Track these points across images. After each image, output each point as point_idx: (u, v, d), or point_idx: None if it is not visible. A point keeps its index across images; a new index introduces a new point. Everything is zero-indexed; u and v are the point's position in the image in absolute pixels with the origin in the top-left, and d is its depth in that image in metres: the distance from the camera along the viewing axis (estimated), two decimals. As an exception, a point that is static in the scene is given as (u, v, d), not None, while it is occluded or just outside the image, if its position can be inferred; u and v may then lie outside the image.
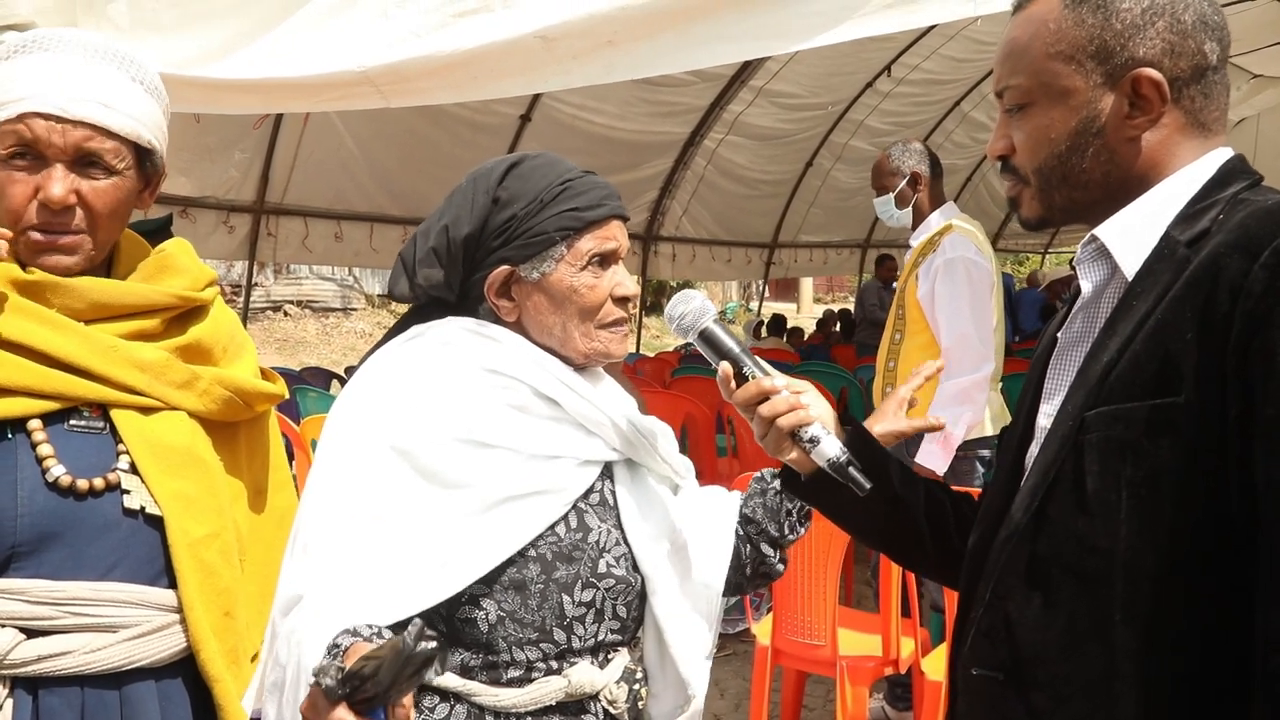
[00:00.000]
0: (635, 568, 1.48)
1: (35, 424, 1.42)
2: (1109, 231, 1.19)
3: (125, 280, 1.55)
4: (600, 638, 1.43)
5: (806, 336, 12.67)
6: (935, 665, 3.25)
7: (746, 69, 7.90)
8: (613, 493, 1.50)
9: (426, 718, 1.37)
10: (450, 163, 6.84)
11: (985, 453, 3.75)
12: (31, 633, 1.38)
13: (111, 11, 2.74)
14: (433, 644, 1.05)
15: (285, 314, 19.79)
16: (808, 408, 1.37)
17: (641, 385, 5.92)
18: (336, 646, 1.22)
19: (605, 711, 1.44)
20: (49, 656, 1.38)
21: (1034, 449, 1.24)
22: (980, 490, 1.45)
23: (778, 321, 10.11)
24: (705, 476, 1.83)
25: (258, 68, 2.73)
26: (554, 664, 1.40)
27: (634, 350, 10.04)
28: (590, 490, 1.46)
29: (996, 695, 1.19)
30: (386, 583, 1.32)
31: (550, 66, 2.51)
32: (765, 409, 1.37)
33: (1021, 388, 1.33)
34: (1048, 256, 18.06)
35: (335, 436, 1.42)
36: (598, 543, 1.44)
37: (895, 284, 4.17)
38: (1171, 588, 1.05)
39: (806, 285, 32.14)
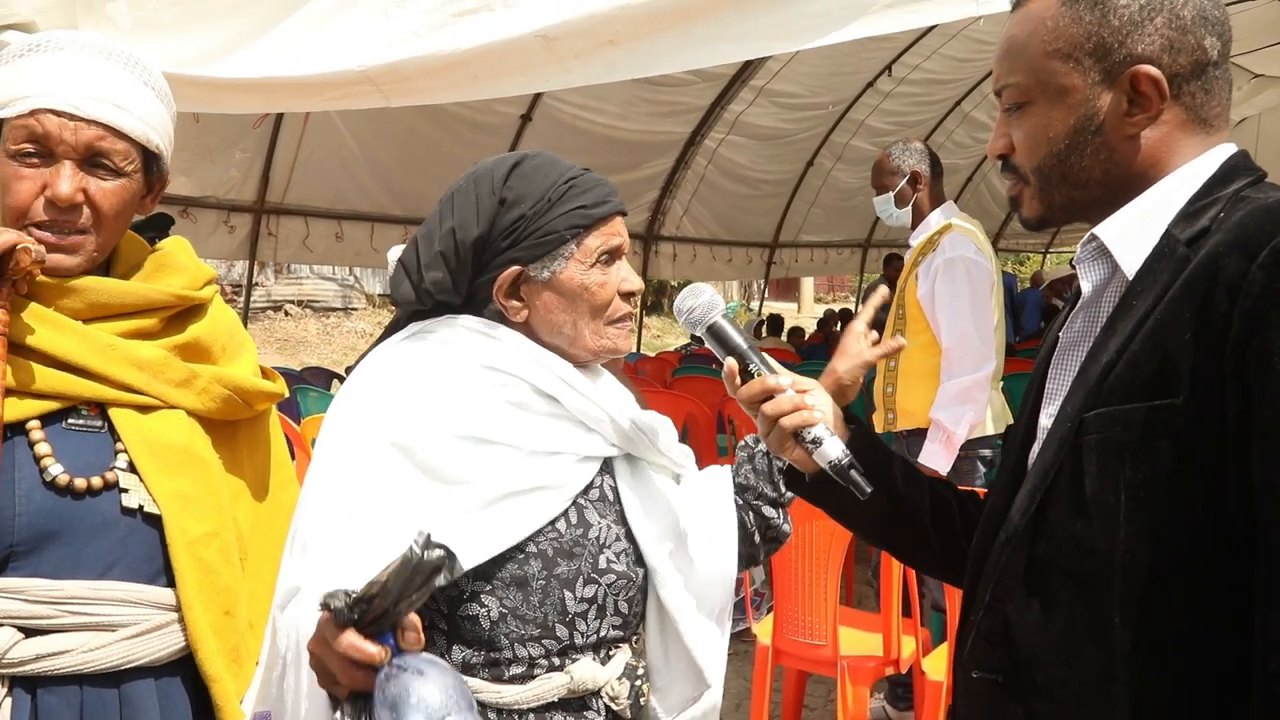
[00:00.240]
0: (638, 562, 1.49)
1: (33, 423, 1.42)
2: (1109, 230, 1.18)
3: (124, 279, 1.55)
4: (602, 634, 1.43)
5: (807, 336, 12.68)
6: (936, 665, 3.25)
7: (747, 69, 7.90)
8: (613, 488, 1.50)
9: None
10: (451, 162, 6.83)
11: (987, 452, 3.75)
12: (30, 632, 1.39)
13: (112, 11, 2.74)
14: (440, 551, 1.03)
15: (286, 314, 19.80)
16: (812, 408, 1.36)
17: (642, 385, 5.92)
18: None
19: (607, 708, 1.44)
20: (47, 655, 1.38)
21: (1036, 450, 1.23)
22: (985, 489, 1.45)
23: (774, 321, 10.10)
24: (706, 476, 1.83)
25: (258, 67, 2.73)
26: (556, 660, 1.40)
27: (635, 350, 10.04)
28: (590, 486, 1.46)
29: (996, 698, 1.19)
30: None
31: (551, 66, 2.51)
32: (769, 407, 1.37)
33: (1025, 388, 1.33)
34: (1049, 256, 18.06)
35: (334, 434, 1.41)
36: (598, 538, 1.44)
37: None
38: (1170, 590, 1.05)
39: (807, 285, 32.15)
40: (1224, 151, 1.17)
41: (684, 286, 1.57)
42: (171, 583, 1.48)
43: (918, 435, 3.74)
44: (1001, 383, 3.92)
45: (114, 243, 1.54)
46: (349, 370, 1.81)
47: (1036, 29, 1.19)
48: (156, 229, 1.67)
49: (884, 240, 12.50)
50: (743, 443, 1.72)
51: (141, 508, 1.46)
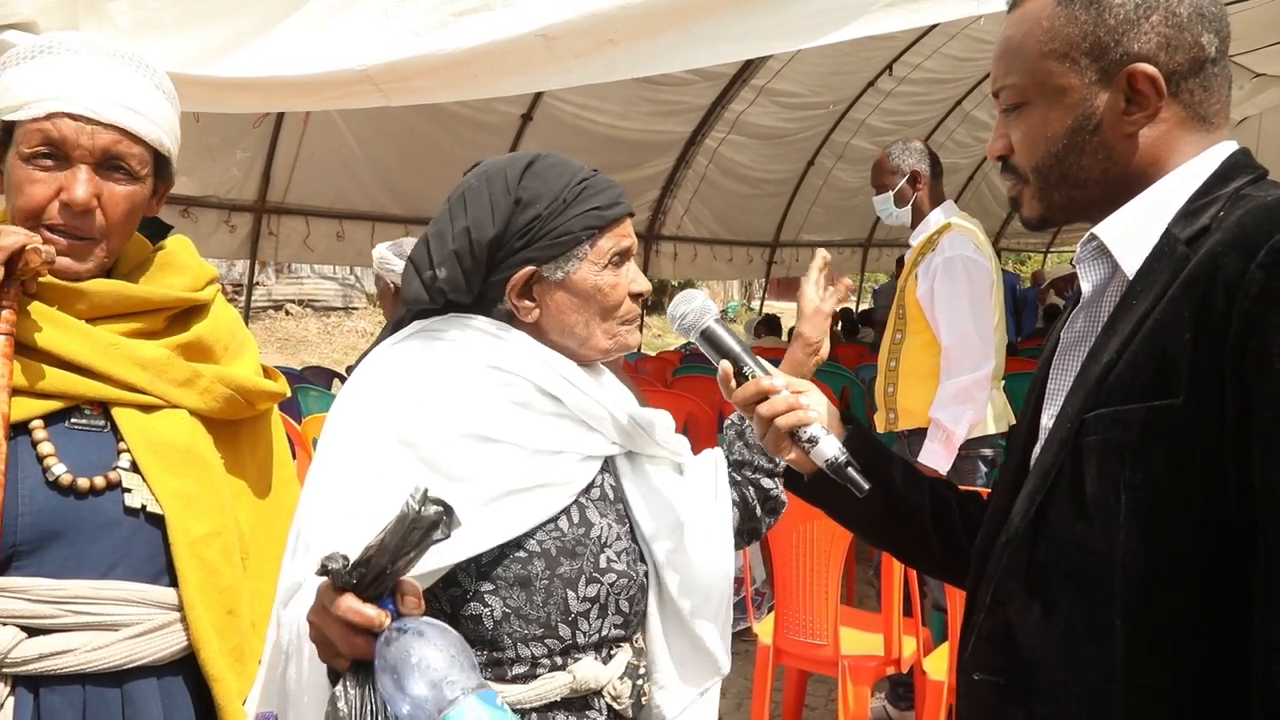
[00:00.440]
0: (640, 559, 1.50)
1: (36, 422, 1.43)
2: (1108, 230, 1.18)
3: (127, 278, 1.55)
4: (604, 633, 1.44)
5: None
6: (937, 665, 3.25)
7: (748, 68, 7.89)
8: (613, 487, 1.51)
9: None
10: (452, 162, 6.82)
11: (988, 451, 3.75)
12: (33, 631, 1.39)
13: (113, 11, 2.74)
14: (437, 507, 1.01)
15: (287, 313, 19.80)
16: (807, 408, 1.37)
17: (643, 384, 5.92)
18: None
19: (609, 707, 1.45)
20: (50, 655, 1.38)
21: (1037, 451, 1.23)
22: (988, 489, 1.46)
23: (770, 322, 10.08)
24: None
25: (258, 66, 2.73)
26: (558, 660, 1.40)
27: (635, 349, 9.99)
28: (591, 485, 1.47)
29: (998, 701, 1.19)
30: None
31: (551, 65, 2.51)
32: (764, 408, 1.38)
33: (1028, 388, 1.33)
34: (1050, 255, 18.04)
35: (338, 431, 1.41)
36: (600, 537, 1.44)
37: None
38: (1170, 591, 1.05)
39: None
40: (1224, 149, 1.17)
41: (685, 286, 1.58)
42: (174, 582, 1.48)
43: (919, 435, 3.74)
44: (1003, 382, 3.92)
45: (122, 247, 1.54)
46: (350, 370, 1.81)
47: (1032, 29, 1.19)
48: (153, 231, 1.67)
49: (885, 240, 12.50)
50: (729, 421, 1.73)
51: (144, 507, 1.46)
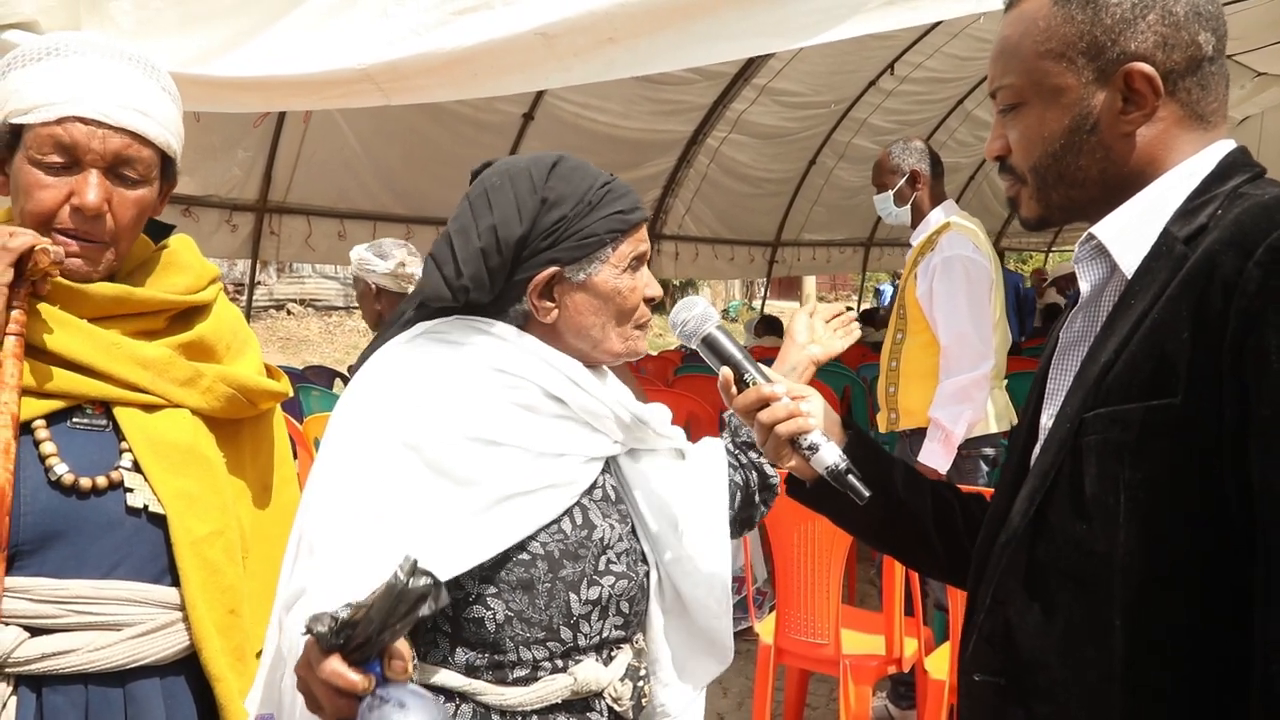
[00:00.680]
0: (641, 559, 1.51)
1: (39, 422, 1.43)
2: (1106, 230, 1.18)
3: (130, 277, 1.55)
4: (604, 635, 1.44)
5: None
6: (939, 664, 3.25)
7: (749, 67, 7.88)
8: (615, 487, 1.52)
9: None
10: (453, 161, 6.81)
11: (989, 451, 3.74)
12: (35, 631, 1.39)
13: (115, 11, 2.74)
14: (426, 579, 1.01)
15: (289, 312, 19.82)
16: (808, 415, 1.37)
17: (645, 383, 5.92)
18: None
19: (610, 709, 1.45)
20: (53, 655, 1.39)
21: (1037, 451, 1.23)
22: (990, 489, 1.46)
23: (770, 322, 10.06)
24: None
25: (257, 66, 2.72)
26: (559, 662, 1.40)
27: (637, 349, 9.97)
28: (593, 486, 1.47)
29: (998, 701, 1.19)
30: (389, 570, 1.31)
31: (550, 63, 2.51)
32: (765, 415, 1.38)
33: (1030, 388, 1.33)
34: (1052, 254, 18.03)
35: (342, 433, 1.41)
36: (602, 539, 1.45)
37: None
38: (1170, 590, 1.05)
39: (810, 284, 32.07)
40: (1222, 148, 1.17)
41: (687, 285, 1.58)
42: (176, 582, 1.48)
43: (921, 434, 3.73)
44: (1005, 381, 3.92)
45: (129, 250, 1.54)
46: (352, 369, 1.81)
47: (1029, 29, 1.19)
48: (155, 231, 1.67)
49: (886, 239, 12.48)
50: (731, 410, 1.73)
51: (146, 507, 1.46)
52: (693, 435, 1.66)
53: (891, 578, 3.25)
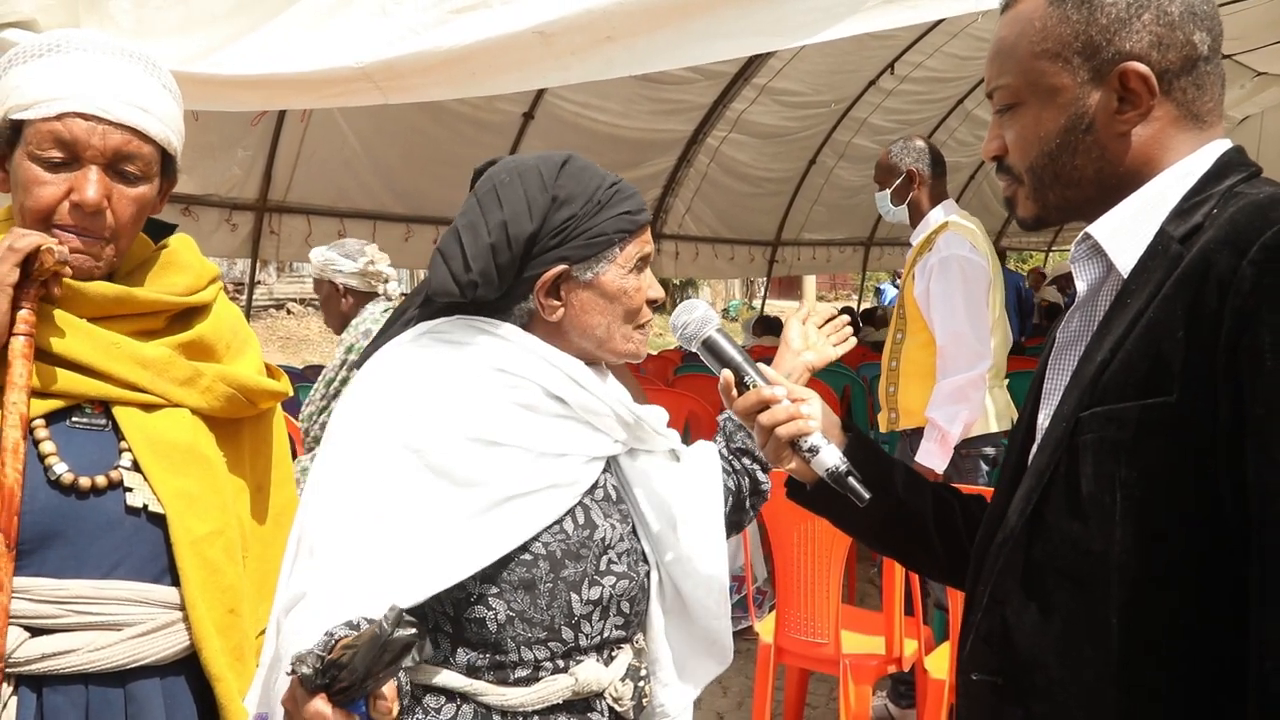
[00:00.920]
0: (642, 559, 1.51)
1: (38, 421, 1.43)
2: (1102, 229, 1.18)
3: (130, 276, 1.55)
4: (605, 635, 1.44)
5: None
6: (938, 663, 3.24)
7: (749, 66, 7.88)
8: (615, 487, 1.52)
9: (433, 718, 1.37)
10: (453, 161, 6.82)
11: (990, 450, 3.74)
12: (35, 631, 1.39)
13: (114, 10, 2.74)
14: (410, 630, 1.03)
15: (289, 312, 19.82)
16: (808, 417, 1.37)
17: (645, 383, 5.92)
18: (330, 636, 1.21)
19: (611, 709, 1.45)
20: (53, 655, 1.39)
21: (1035, 450, 1.23)
22: (990, 488, 1.46)
23: (768, 322, 10.05)
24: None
25: (255, 64, 2.72)
26: (560, 663, 1.40)
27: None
28: (595, 486, 1.47)
29: (996, 701, 1.19)
30: (391, 575, 1.32)
31: (548, 62, 2.51)
32: (765, 418, 1.38)
33: (1029, 387, 1.33)
34: (1051, 254, 18.03)
35: (344, 435, 1.41)
36: (603, 540, 1.45)
37: None
38: (1166, 590, 1.05)
39: (810, 283, 32.08)
40: (1218, 147, 1.17)
41: (687, 285, 1.59)
42: (176, 582, 1.48)
43: (921, 434, 3.73)
44: (1007, 380, 3.91)
45: (128, 248, 1.54)
46: (355, 367, 1.80)
47: (1025, 30, 1.19)
48: (156, 230, 1.67)
49: (886, 239, 12.48)
50: (727, 414, 1.73)
51: (146, 507, 1.46)
52: (692, 435, 1.67)
53: (891, 577, 3.25)
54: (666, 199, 9.30)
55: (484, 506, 1.35)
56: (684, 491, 1.55)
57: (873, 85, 9.08)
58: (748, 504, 1.72)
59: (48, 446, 1.42)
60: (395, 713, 1.11)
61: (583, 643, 1.42)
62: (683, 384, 6.56)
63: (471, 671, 1.38)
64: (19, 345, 1.38)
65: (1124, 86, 1.14)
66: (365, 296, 3.49)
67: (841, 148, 10.12)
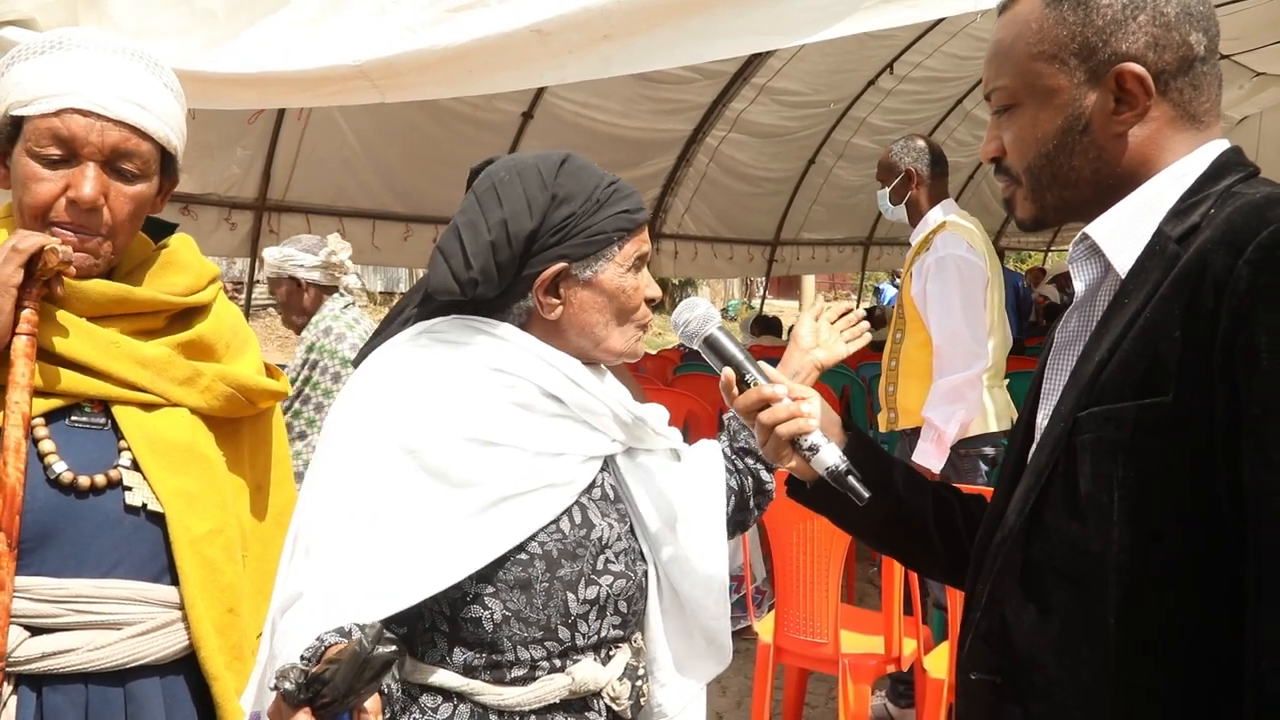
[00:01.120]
0: (640, 559, 1.51)
1: (37, 420, 1.43)
2: (1100, 229, 1.18)
3: (130, 276, 1.55)
4: (602, 634, 1.44)
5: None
6: (938, 663, 3.25)
7: (749, 66, 7.88)
8: (613, 486, 1.52)
9: (429, 717, 1.37)
10: (453, 160, 6.81)
11: (989, 450, 3.74)
12: (35, 630, 1.39)
13: (113, 9, 2.74)
14: (390, 648, 1.05)
15: (288, 312, 19.77)
16: (808, 416, 1.37)
17: (644, 382, 5.93)
18: (320, 642, 1.21)
19: (608, 709, 1.45)
20: (53, 654, 1.39)
21: (1033, 450, 1.23)
22: (990, 488, 1.47)
23: (767, 321, 10.04)
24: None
25: (252, 62, 2.72)
26: (557, 662, 1.40)
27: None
28: (592, 485, 1.47)
29: (994, 700, 1.19)
30: (386, 578, 1.32)
31: (546, 61, 2.51)
32: (765, 416, 1.38)
33: (1029, 387, 1.33)
34: (1051, 254, 18.03)
35: (340, 435, 1.41)
36: (600, 539, 1.45)
37: None
38: (1163, 589, 1.05)
39: (809, 283, 32.08)
40: (1216, 148, 1.17)
41: (686, 284, 1.59)
42: (176, 581, 1.48)
43: (919, 434, 3.73)
44: (1006, 380, 3.91)
45: (127, 246, 1.54)
46: (353, 364, 1.81)
47: (1022, 31, 1.19)
48: (156, 229, 1.67)
49: (885, 238, 12.48)
50: (731, 413, 1.73)
51: (145, 506, 1.46)
52: (692, 435, 1.67)
53: (891, 577, 3.25)
54: (666, 198, 9.30)
55: (480, 507, 1.35)
56: (684, 491, 1.55)
57: (872, 85, 9.08)
58: (751, 503, 1.71)
59: (47, 445, 1.42)
60: None
61: (579, 642, 1.41)
62: (682, 383, 6.56)
63: (468, 671, 1.38)
64: (21, 345, 1.38)
65: (1120, 87, 1.14)
66: (327, 290, 3.49)
67: (841, 147, 10.12)
